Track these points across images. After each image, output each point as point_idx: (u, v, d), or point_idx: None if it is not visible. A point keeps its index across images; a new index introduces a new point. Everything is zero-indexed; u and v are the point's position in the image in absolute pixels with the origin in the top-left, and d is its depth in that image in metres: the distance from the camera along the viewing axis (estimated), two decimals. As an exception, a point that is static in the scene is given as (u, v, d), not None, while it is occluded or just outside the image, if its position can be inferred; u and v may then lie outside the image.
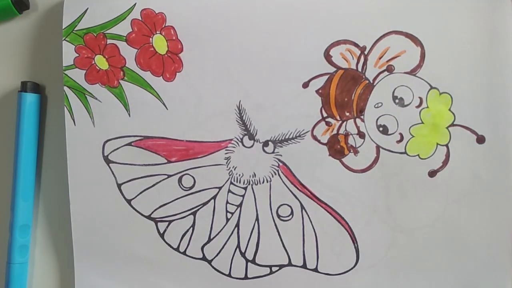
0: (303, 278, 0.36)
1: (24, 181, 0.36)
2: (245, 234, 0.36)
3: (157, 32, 0.36)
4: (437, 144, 0.35)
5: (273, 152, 0.36)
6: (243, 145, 0.36)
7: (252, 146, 0.36)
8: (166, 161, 0.36)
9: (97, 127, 0.36)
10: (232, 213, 0.36)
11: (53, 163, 0.38)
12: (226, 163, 0.36)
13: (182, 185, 0.36)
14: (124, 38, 0.36)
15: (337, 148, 0.35)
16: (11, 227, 0.36)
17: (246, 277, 0.37)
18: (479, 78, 0.34)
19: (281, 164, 0.36)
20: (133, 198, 0.37)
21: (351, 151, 0.35)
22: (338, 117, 0.35)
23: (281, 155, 0.36)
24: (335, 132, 0.35)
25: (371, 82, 0.35)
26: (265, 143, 0.36)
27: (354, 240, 0.36)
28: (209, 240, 0.37)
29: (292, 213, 0.36)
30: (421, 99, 0.35)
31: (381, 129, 0.35)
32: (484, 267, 0.35)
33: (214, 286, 0.37)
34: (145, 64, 0.36)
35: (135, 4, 0.35)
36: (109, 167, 0.36)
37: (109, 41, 0.36)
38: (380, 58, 0.35)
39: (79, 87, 0.36)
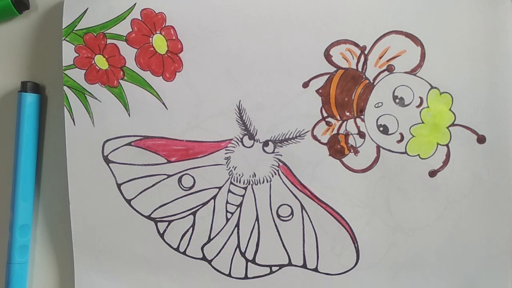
0: (303, 278, 0.36)
1: (24, 181, 0.36)
2: (245, 234, 0.36)
3: (157, 32, 0.36)
4: (438, 144, 0.35)
5: (273, 152, 0.36)
6: (243, 145, 0.36)
7: (252, 146, 0.36)
8: (166, 161, 0.36)
9: (96, 127, 0.36)
10: (232, 213, 0.36)
11: (53, 163, 0.38)
12: (226, 163, 0.36)
13: (182, 185, 0.36)
14: (124, 38, 0.36)
15: (337, 148, 0.35)
16: (11, 227, 0.36)
17: (246, 277, 0.37)
18: (479, 78, 0.34)
19: (281, 164, 0.36)
20: (133, 198, 0.37)
21: (351, 151, 0.35)
22: (338, 117, 0.35)
23: (281, 155, 0.36)
24: (335, 132, 0.35)
25: (371, 81, 0.35)
26: (265, 143, 0.36)
27: (354, 240, 0.36)
28: (209, 240, 0.37)
29: (292, 213, 0.36)
30: (421, 98, 0.35)
31: (381, 129, 0.35)
32: (484, 267, 0.35)
33: (214, 286, 0.37)
34: (145, 64, 0.36)
35: (135, 4, 0.35)
36: (109, 167, 0.36)
37: (109, 41, 0.36)
38: (380, 58, 0.35)
39: (79, 87, 0.36)
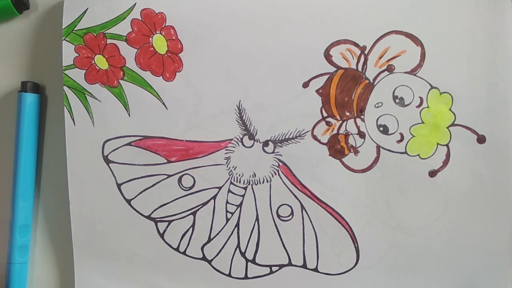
0: (303, 278, 0.36)
1: (24, 181, 0.36)
2: (245, 234, 0.36)
3: (157, 32, 0.36)
4: (438, 144, 0.35)
5: (273, 152, 0.36)
6: (243, 145, 0.36)
7: (252, 146, 0.36)
8: (166, 161, 0.36)
9: (96, 127, 0.36)
10: (232, 213, 0.36)
11: (53, 163, 0.38)
12: (226, 163, 0.36)
13: (182, 185, 0.36)
14: (124, 38, 0.36)
15: (337, 148, 0.35)
16: (11, 227, 0.36)
17: (246, 277, 0.37)
18: (479, 78, 0.34)
19: (281, 164, 0.36)
20: (133, 198, 0.37)
21: (351, 151, 0.35)
22: (338, 117, 0.35)
23: (281, 155, 0.36)
24: (335, 132, 0.35)
25: (371, 81, 0.35)
26: (265, 143, 0.36)
27: (354, 240, 0.36)
28: (209, 240, 0.37)
29: (292, 213, 0.36)
30: (421, 98, 0.35)
31: (381, 129, 0.35)
32: (484, 267, 0.35)
33: (214, 286, 0.37)
34: (145, 64, 0.36)
35: (135, 4, 0.35)
36: (109, 167, 0.36)
37: (109, 41, 0.36)
38: (380, 58, 0.35)
39: (79, 87, 0.36)
